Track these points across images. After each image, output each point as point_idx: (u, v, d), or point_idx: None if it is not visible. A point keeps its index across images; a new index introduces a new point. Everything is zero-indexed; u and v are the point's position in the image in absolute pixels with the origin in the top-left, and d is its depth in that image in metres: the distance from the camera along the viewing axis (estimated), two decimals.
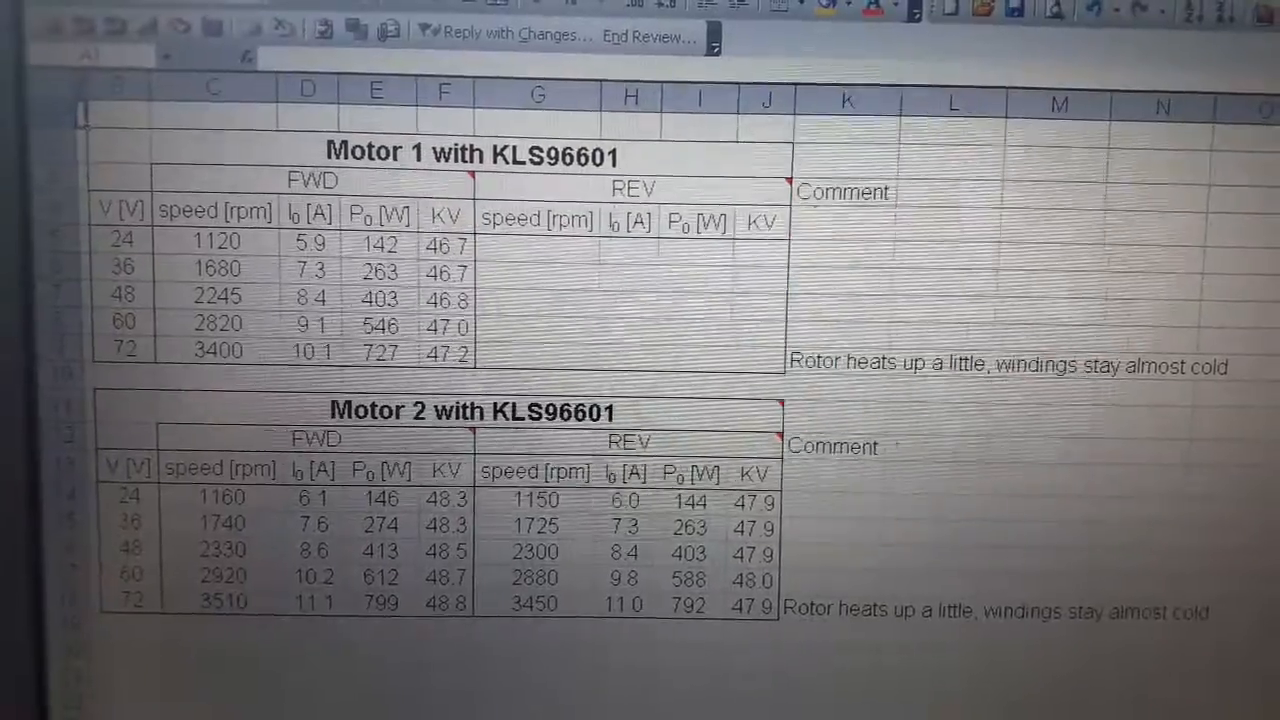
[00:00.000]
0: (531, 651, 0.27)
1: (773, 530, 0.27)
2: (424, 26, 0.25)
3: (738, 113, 0.25)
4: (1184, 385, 0.26)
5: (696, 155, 0.25)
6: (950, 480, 0.26)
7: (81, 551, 0.26)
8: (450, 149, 0.25)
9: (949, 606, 0.27)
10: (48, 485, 0.26)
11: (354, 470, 0.26)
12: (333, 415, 0.26)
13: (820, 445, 0.26)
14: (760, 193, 0.26)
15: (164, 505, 0.26)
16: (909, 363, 0.26)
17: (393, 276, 0.26)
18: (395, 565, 0.27)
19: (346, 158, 0.25)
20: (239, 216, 0.25)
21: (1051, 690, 0.27)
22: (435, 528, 0.27)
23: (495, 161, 0.25)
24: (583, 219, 0.26)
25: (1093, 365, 0.26)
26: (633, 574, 0.27)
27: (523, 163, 0.25)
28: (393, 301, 0.26)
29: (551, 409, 0.26)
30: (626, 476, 0.27)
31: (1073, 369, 0.26)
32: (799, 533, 0.27)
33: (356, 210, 0.26)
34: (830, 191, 0.26)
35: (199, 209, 0.25)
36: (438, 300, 0.26)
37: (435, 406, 0.26)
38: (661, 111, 0.25)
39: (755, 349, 0.26)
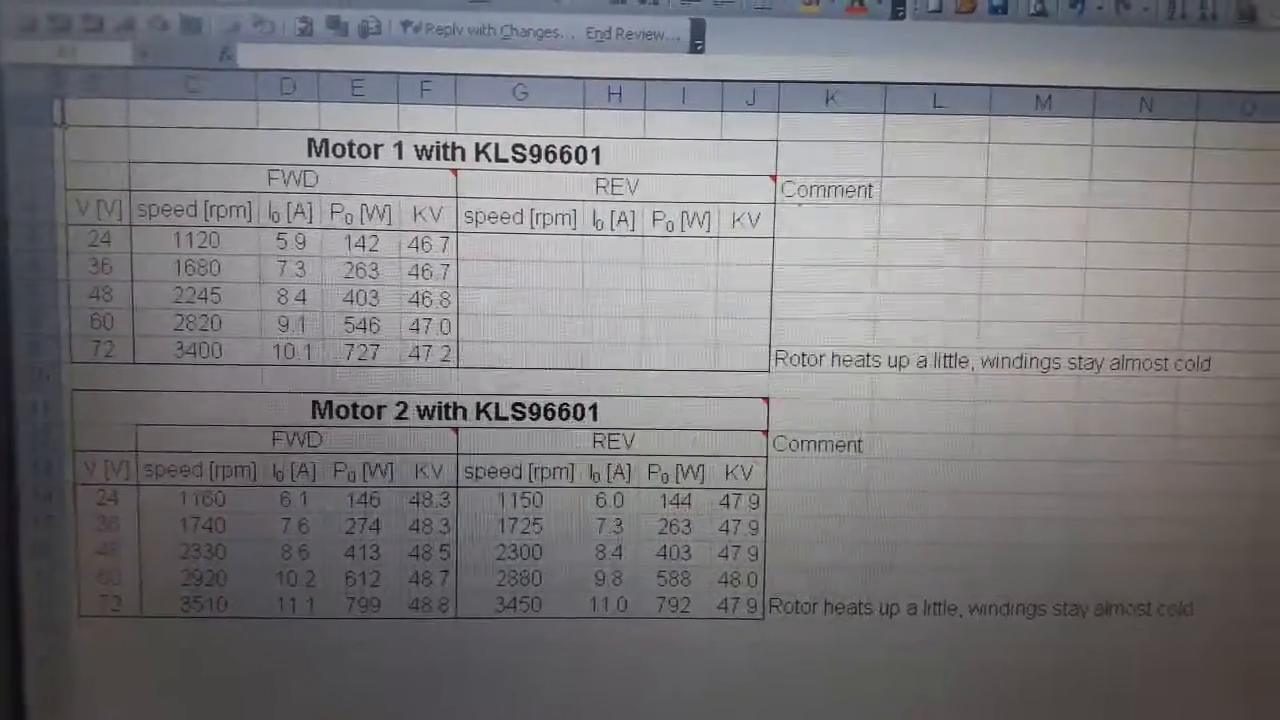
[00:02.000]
0: (516, 653, 0.27)
1: (758, 529, 0.27)
2: (405, 23, 0.25)
3: (721, 110, 0.25)
4: (1167, 382, 0.26)
5: (680, 153, 0.25)
6: (935, 478, 0.26)
7: (59, 555, 0.26)
8: (432, 147, 0.25)
9: (934, 604, 0.27)
10: (25, 488, 0.26)
11: (335, 471, 0.26)
12: (314, 416, 0.26)
13: (805, 443, 0.26)
14: (744, 190, 0.25)
15: (143, 508, 0.26)
16: (893, 360, 0.26)
17: (374, 275, 0.26)
18: (377, 567, 0.27)
19: (327, 156, 0.25)
20: (218, 215, 0.25)
21: (1037, 686, 0.27)
22: (418, 529, 0.26)
23: (477, 159, 0.25)
24: (566, 217, 0.25)
25: (1076, 362, 0.26)
26: (617, 574, 0.27)
27: (505, 160, 0.25)
28: (374, 301, 0.26)
29: (535, 408, 0.26)
30: (611, 476, 0.26)
31: (1056, 366, 0.26)
32: (784, 531, 0.27)
33: (337, 209, 0.25)
34: (814, 189, 0.26)
35: (178, 208, 0.25)
36: (420, 299, 0.26)
37: (417, 406, 0.26)
38: (645, 109, 0.25)
39: (740, 347, 0.26)
